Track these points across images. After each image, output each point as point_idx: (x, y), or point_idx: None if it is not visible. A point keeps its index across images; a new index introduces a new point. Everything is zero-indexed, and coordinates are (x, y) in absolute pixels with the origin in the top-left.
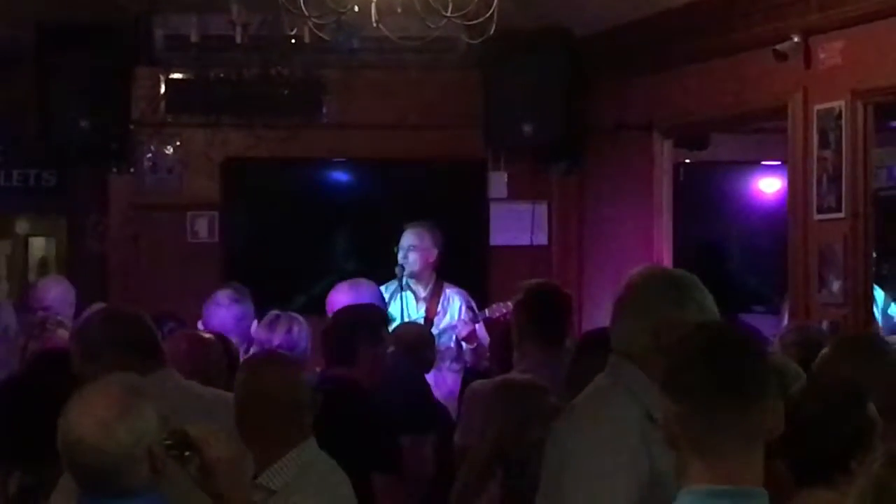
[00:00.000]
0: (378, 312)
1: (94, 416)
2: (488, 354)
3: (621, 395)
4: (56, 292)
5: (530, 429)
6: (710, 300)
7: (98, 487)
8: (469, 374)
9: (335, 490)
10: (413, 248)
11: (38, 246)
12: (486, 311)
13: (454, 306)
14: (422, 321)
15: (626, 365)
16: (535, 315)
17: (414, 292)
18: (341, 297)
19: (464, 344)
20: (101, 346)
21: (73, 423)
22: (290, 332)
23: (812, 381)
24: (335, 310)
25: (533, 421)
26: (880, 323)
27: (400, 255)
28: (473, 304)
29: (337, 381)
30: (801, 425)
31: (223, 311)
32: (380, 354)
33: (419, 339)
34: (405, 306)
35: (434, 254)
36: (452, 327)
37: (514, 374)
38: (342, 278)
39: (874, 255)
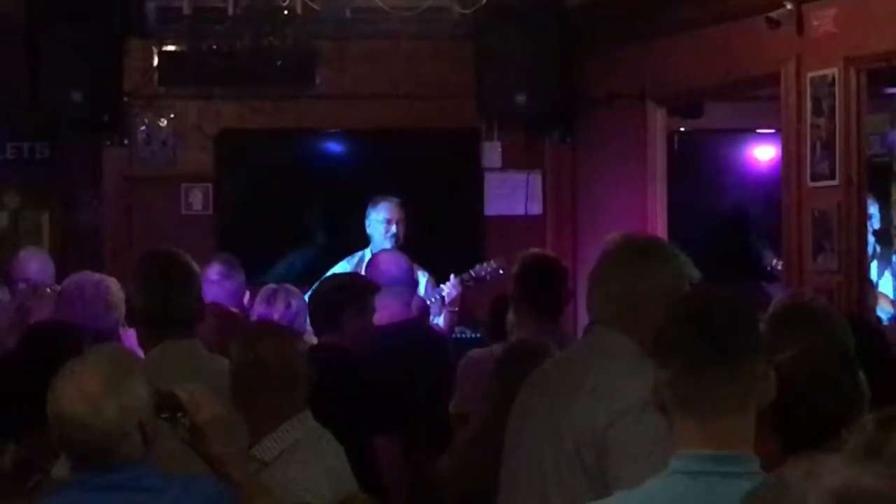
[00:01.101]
0: (364, 281)
1: (83, 393)
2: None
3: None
4: (37, 264)
5: None
6: (677, 267)
7: (89, 462)
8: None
9: (330, 462)
10: (402, 220)
11: (31, 218)
12: (472, 271)
13: (421, 281)
14: None
15: (602, 331)
16: (530, 286)
17: None
18: (390, 268)
19: (435, 317)
20: (128, 307)
21: (61, 400)
22: (289, 306)
23: (802, 349)
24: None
25: None
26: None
27: (390, 227)
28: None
29: (328, 350)
30: (791, 394)
31: (216, 288)
32: (367, 323)
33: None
34: None
35: None
36: (438, 292)
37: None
38: (335, 249)
39: (869, 220)
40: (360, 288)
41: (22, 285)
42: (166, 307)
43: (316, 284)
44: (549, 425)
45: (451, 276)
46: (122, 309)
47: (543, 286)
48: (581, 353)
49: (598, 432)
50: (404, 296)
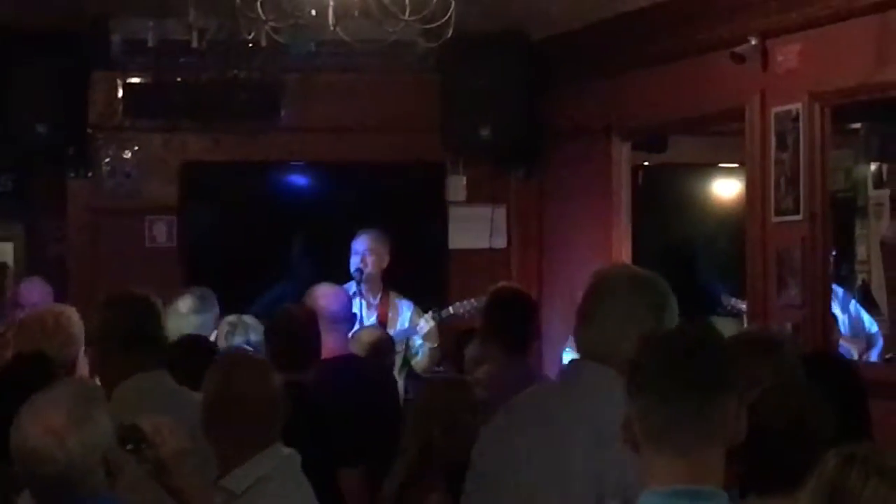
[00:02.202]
0: (315, 315)
1: (46, 427)
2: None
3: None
4: (41, 292)
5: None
6: (673, 303)
7: (52, 496)
8: (416, 379)
9: (300, 496)
10: (371, 251)
11: None
12: (451, 308)
13: (405, 314)
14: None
15: (598, 370)
16: (499, 319)
17: (364, 299)
18: (329, 303)
19: (419, 349)
20: (99, 335)
21: (25, 434)
22: (248, 342)
23: (775, 386)
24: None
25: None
26: (845, 325)
27: (357, 260)
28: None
29: (291, 387)
30: (763, 431)
31: (182, 321)
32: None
33: (380, 344)
34: (359, 312)
35: (387, 260)
36: (403, 331)
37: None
38: (300, 282)
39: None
40: (316, 325)
41: (21, 312)
42: (133, 342)
43: (272, 320)
44: (555, 467)
45: (429, 313)
46: (83, 340)
47: (513, 319)
48: (578, 392)
49: (622, 482)
50: (342, 331)
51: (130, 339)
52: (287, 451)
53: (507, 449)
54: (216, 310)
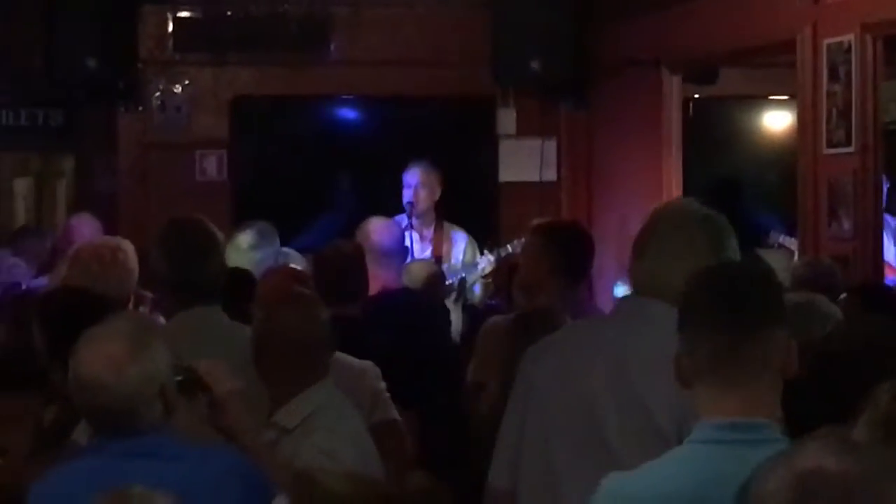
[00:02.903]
0: (363, 251)
1: (106, 357)
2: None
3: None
4: (91, 227)
5: None
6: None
7: (111, 427)
8: (473, 311)
9: (353, 430)
10: (422, 183)
11: (48, 185)
12: (509, 245)
13: (459, 246)
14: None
15: (656, 304)
16: (565, 252)
17: (417, 231)
18: (381, 237)
19: (475, 284)
20: (158, 269)
21: (84, 364)
22: None
23: (845, 319)
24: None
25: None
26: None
27: (409, 192)
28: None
29: (340, 320)
30: (835, 364)
31: (242, 256)
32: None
33: (432, 277)
34: (411, 245)
35: (438, 192)
36: (460, 267)
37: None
38: (348, 215)
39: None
40: (363, 259)
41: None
42: (188, 274)
43: (319, 254)
44: (628, 402)
45: (486, 252)
46: (137, 274)
47: (579, 255)
48: (648, 330)
49: (673, 414)
50: (395, 265)
51: (179, 280)
52: (363, 364)
53: (567, 373)
54: (277, 244)
